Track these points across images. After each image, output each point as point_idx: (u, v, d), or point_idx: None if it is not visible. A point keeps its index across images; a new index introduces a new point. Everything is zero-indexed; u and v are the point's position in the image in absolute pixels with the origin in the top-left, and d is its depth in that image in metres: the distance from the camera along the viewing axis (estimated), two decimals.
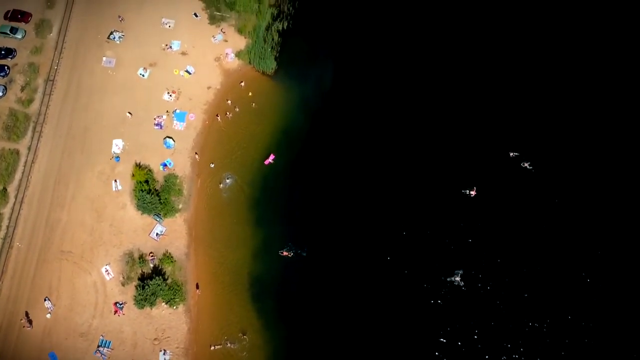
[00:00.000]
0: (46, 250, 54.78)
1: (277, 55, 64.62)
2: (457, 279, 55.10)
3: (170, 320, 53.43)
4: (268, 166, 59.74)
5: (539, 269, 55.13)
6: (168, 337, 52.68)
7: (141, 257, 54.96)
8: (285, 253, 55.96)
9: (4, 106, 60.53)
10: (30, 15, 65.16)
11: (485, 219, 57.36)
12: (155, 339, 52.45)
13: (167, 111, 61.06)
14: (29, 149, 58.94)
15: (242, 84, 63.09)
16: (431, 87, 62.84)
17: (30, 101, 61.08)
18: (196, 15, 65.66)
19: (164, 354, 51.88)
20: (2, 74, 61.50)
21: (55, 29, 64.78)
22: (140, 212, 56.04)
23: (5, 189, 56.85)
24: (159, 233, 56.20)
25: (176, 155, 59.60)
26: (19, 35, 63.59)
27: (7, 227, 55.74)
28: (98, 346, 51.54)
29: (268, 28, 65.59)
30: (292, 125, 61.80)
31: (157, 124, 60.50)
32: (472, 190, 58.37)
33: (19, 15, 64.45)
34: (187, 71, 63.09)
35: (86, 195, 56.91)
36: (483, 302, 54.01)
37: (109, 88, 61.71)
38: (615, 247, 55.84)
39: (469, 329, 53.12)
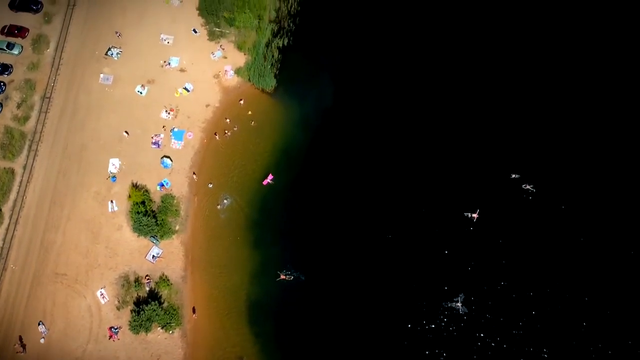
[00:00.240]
0: (40, 272, 53.91)
1: (277, 72, 63.68)
2: (459, 304, 54.08)
3: (166, 345, 52.49)
4: (267, 186, 58.79)
5: (543, 295, 54.06)
6: None
7: (137, 280, 54.04)
8: (283, 276, 54.99)
9: (0, 123, 59.74)
10: (27, 30, 64.34)
11: (488, 242, 56.30)
12: None
13: (163, 126, 60.13)
14: (25, 168, 58.10)
15: (242, 101, 62.16)
16: (432, 109, 61.78)
17: (26, 119, 60.25)
18: (195, 32, 64.73)
19: None
20: None
21: (52, 45, 63.92)
22: (136, 234, 55.11)
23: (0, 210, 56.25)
24: (156, 255, 55.28)
25: (173, 174, 58.68)
26: (15, 51, 62.79)
27: (1, 248, 54.94)
28: None
29: (268, 45, 64.65)
30: (291, 145, 60.83)
31: (154, 143, 59.60)
32: (474, 212, 57.35)
33: (15, 31, 63.64)
34: (185, 88, 62.16)
35: (81, 217, 56.02)
36: (485, 329, 52.97)
37: (106, 106, 60.83)
38: (621, 272, 54.73)
39: (470, 357, 52.09)
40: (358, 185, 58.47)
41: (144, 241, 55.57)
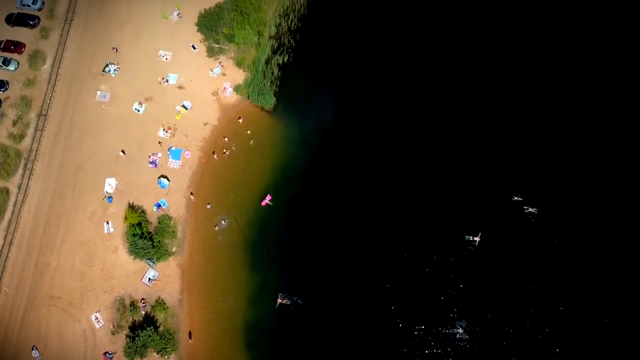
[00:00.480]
0: (35, 296, 53.11)
1: (276, 89, 62.66)
2: (460, 330, 53.10)
3: None
4: (265, 207, 57.82)
5: (546, 320, 53.01)
6: None
7: (132, 303, 53.16)
8: (280, 300, 54.07)
9: None
10: (23, 45, 63.53)
11: (490, 266, 55.26)
12: None
13: (159, 142, 59.33)
14: (20, 187, 57.29)
15: (240, 120, 61.19)
16: (433, 130, 60.58)
17: (22, 137, 59.44)
18: (194, 48, 63.78)
19: None
20: None
21: (49, 61, 63.09)
22: (132, 256, 54.23)
23: None
24: (152, 278, 54.41)
25: (171, 195, 57.77)
26: (11, 67, 62.01)
27: None
28: None
29: (268, 62, 63.63)
30: (290, 164, 59.83)
31: (151, 162, 58.71)
32: (476, 236, 56.34)
33: (12, 46, 62.84)
34: (183, 106, 61.21)
35: (77, 238, 55.17)
36: (487, 356, 51.94)
37: (103, 124, 59.97)
38: (627, 298, 53.63)
39: None
40: (358, 207, 57.44)
41: (140, 263, 54.69)
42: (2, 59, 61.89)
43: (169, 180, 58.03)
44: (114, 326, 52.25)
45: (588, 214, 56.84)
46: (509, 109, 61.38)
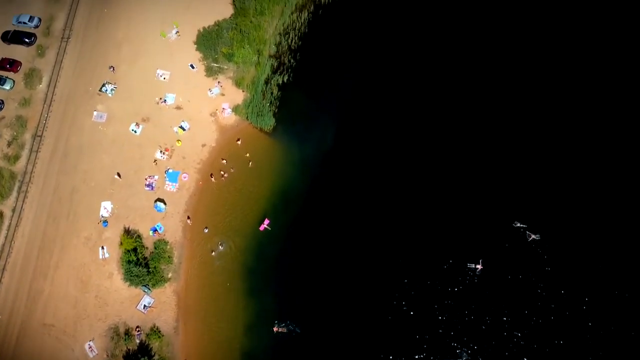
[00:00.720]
0: (27, 323, 52.03)
1: (276, 111, 61.55)
2: None
3: None
4: (263, 232, 56.72)
5: (550, 349, 51.77)
6: None
7: (127, 331, 52.08)
8: (277, 329, 52.98)
9: None
10: (19, 64, 62.57)
11: (493, 295, 54.08)
12: None
13: (154, 161, 58.43)
14: (14, 210, 56.27)
15: (239, 141, 60.11)
16: (434, 156, 59.36)
17: (16, 158, 58.44)
18: (192, 67, 62.76)
19: None
20: None
21: (45, 80, 62.11)
22: (127, 283, 53.20)
23: None
24: (147, 305, 53.35)
25: (167, 219, 56.71)
26: (7, 86, 61.04)
27: None
28: None
29: (267, 81, 62.54)
30: (289, 188, 58.72)
31: (148, 185, 57.67)
32: (478, 264, 55.18)
33: (7, 65, 61.89)
34: (181, 127, 60.18)
35: (71, 264, 54.13)
36: None
37: (99, 145, 58.95)
38: (632, 325, 52.43)
39: None
40: (357, 234, 56.24)
41: (135, 290, 53.61)
42: None
43: (165, 203, 56.95)
44: (107, 355, 51.21)
45: (592, 241, 55.57)
46: (510, 135, 60.12)
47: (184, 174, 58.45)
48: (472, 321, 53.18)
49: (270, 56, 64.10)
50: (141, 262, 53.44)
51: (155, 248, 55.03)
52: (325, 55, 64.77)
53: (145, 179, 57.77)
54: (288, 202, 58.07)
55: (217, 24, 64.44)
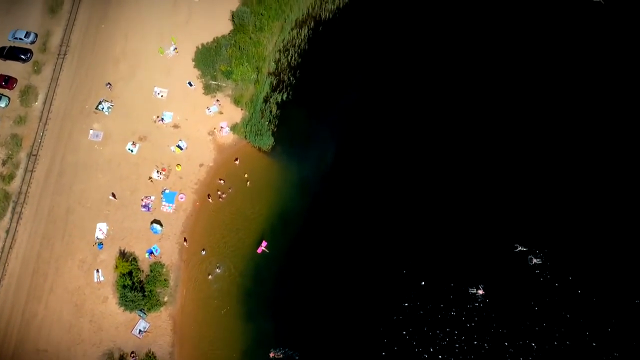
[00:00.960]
0: (21, 349, 51.17)
1: (275, 129, 60.57)
2: None
3: None
4: (261, 255, 55.80)
5: None
6: None
7: (122, 357, 51.26)
8: (273, 354, 52.09)
9: None
10: (15, 81, 61.70)
11: (495, 321, 53.08)
12: None
13: (150, 178, 57.62)
14: (7, 232, 55.41)
15: (237, 161, 59.15)
16: (434, 179, 58.28)
17: (11, 177, 57.57)
18: (190, 85, 61.82)
19: None
20: None
21: (41, 97, 61.21)
22: (122, 308, 52.37)
23: None
24: (142, 330, 52.47)
25: (163, 241, 55.82)
26: (2, 104, 60.24)
27: None
28: None
29: (266, 100, 61.58)
30: (288, 209, 57.77)
31: (144, 206, 56.77)
32: (480, 289, 54.20)
33: (3, 82, 60.99)
34: (178, 146, 59.26)
35: (65, 287, 53.29)
36: None
37: (95, 165, 58.05)
38: (636, 355, 51.47)
39: None
40: (356, 258, 55.27)
41: (131, 314, 52.74)
42: None
43: (161, 225, 56.08)
44: None
45: (594, 266, 54.52)
46: (510, 161, 59.03)
47: (181, 195, 57.56)
48: (474, 347, 52.20)
49: (269, 73, 63.14)
50: (136, 286, 52.58)
51: (151, 271, 54.15)
52: (325, 72, 63.78)
53: (142, 200, 56.90)
54: (286, 224, 57.16)
55: (216, 41, 63.48)
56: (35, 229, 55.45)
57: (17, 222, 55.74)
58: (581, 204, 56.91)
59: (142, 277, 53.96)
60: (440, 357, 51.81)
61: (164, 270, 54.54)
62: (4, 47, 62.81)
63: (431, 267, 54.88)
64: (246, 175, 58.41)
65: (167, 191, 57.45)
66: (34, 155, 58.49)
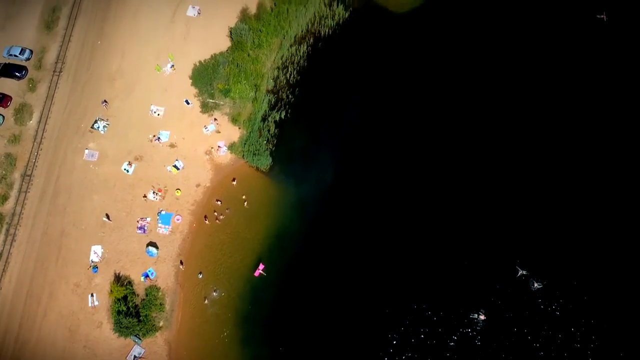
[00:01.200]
0: None
1: (273, 149, 59.63)
2: None
3: None
4: (258, 278, 54.89)
5: None
6: None
7: None
8: None
9: None
10: (10, 98, 60.86)
11: (497, 346, 52.12)
12: None
13: (144, 196, 56.85)
14: (1, 255, 54.55)
15: (234, 182, 58.26)
16: (434, 201, 57.28)
17: (5, 198, 56.72)
18: (188, 103, 60.94)
19: None
20: None
21: (36, 115, 60.38)
22: (117, 334, 51.51)
23: None
24: (137, 356, 51.57)
25: (159, 264, 54.91)
26: None
27: None
28: None
29: (264, 118, 60.64)
30: (286, 231, 56.78)
31: (140, 228, 55.88)
32: (481, 314, 53.26)
33: None
34: (175, 166, 58.37)
35: (59, 312, 52.42)
36: None
37: (90, 186, 57.17)
38: None
39: None
40: (355, 280, 54.30)
41: (125, 340, 51.80)
42: None
43: (157, 248, 55.17)
44: None
45: (597, 291, 53.52)
46: (513, 181, 57.98)
47: (177, 216, 56.66)
48: None
49: (267, 91, 62.18)
50: (131, 311, 51.70)
51: (146, 295, 53.26)
52: (324, 90, 62.78)
53: (137, 222, 56.00)
54: (284, 246, 56.21)
55: (214, 58, 62.54)
56: (29, 252, 54.61)
57: (11, 245, 54.92)
58: (584, 229, 55.83)
59: (138, 301, 53.07)
60: None
61: (160, 294, 53.65)
62: None
63: (432, 292, 53.91)
64: (244, 196, 57.49)
65: (163, 212, 56.58)
66: (28, 175, 57.64)
